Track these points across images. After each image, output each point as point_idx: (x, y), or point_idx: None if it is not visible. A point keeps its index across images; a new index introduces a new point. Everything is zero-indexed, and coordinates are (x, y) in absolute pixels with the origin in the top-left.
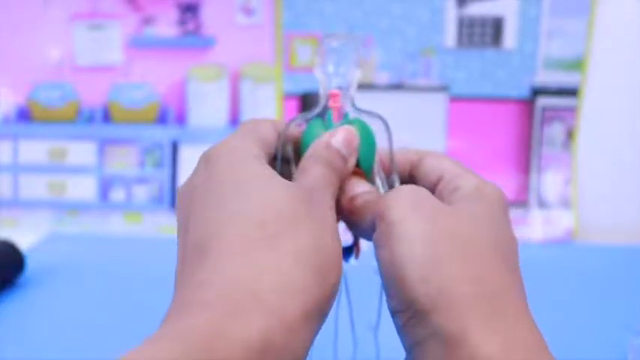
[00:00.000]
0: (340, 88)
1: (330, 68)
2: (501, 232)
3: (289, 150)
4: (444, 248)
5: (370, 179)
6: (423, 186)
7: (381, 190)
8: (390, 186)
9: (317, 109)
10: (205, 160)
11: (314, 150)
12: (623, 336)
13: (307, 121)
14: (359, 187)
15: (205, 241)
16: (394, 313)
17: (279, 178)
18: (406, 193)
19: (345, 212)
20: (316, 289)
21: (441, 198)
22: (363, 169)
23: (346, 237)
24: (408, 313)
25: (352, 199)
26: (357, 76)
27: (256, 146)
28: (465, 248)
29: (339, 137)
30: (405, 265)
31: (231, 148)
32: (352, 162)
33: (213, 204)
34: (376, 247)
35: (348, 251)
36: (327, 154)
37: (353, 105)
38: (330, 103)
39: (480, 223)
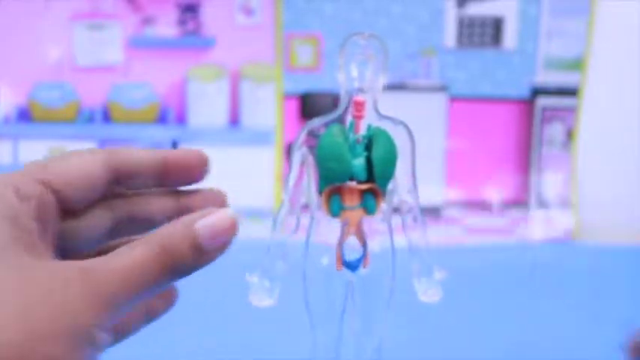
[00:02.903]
0: (363, 91)
1: (354, 70)
2: None
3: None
4: None
5: (386, 193)
6: None
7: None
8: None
9: (336, 113)
10: None
11: (165, 227)
12: (624, 335)
13: (326, 125)
14: None
15: None
16: None
17: (16, 255)
18: None
19: None
20: None
21: None
22: (379, 184)
23: (356, 249)
24: None
25: None
26: (383, 79)
27: (17, 197)
28: None
29: (208, 222)
30: None
31: None
32: (208, 260)
33: None
34: None
35: (357, 262)
36: (174, 236)
37: (376, 110)
38: (354, 113)
39: None
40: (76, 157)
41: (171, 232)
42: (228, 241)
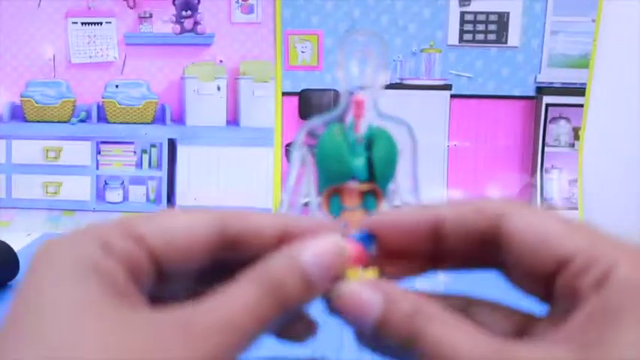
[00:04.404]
0: (364, 90)
1: (354, 68)
2: None
3: None
4: None
5: (387, 194)
6: (523, 268)
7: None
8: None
9: (337, 112)
10: (31, 259)
11: (268, 261)
12: None
13: (326, 124)
14: (401, 300)
15: None
16: None
17: (110, 309)
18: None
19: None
20: None
21: (574, 291)
22: (380, 185)
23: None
24: None
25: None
26: (384, 77)
27: (102, 251)
28: None
29: (315, 251)
30: None
31: (62, 249)
32: (318, 293)
33: (8, 341)
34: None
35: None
36: (280, 271)
37: (376, 109)
38: (354, 111)
39: None
40: (178, 215)
41: (276, 267)
42: (338, 271)
